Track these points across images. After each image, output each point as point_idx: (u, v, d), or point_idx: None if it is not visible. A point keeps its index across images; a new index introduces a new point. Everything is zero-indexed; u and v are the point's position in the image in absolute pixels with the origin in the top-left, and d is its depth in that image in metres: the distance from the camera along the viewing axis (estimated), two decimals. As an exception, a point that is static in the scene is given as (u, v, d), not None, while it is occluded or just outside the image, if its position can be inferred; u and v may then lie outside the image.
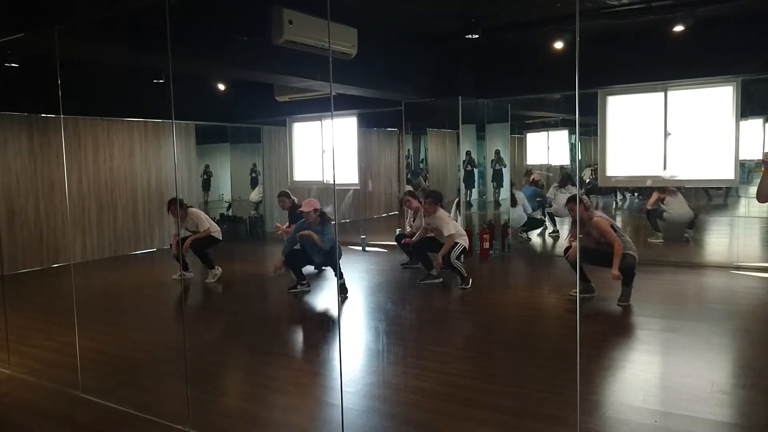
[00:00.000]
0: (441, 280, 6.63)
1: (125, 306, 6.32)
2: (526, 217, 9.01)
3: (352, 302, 6.06)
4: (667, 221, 8.28)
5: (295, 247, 6.29)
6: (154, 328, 5.39)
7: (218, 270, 7.09)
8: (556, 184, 9.55)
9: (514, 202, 8.94)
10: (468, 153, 9.36)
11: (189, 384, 3.46)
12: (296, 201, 7.73)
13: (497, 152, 9.56)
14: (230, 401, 3.80)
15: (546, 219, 9.80)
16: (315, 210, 6.16)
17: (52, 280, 7.61)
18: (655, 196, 8.23)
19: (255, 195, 11.30)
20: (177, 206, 6.78)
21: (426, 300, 6.12)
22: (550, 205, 9.54)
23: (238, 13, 5.71)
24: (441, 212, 6.55)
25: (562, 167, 10.33)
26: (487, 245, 8.11)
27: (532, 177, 10.01)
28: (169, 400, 3.68)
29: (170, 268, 7.52)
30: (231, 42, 5.81)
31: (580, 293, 5.30)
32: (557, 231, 9.55)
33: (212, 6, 5.42)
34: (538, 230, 9.54)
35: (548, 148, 11.26)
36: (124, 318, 5.77)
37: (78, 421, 3.44)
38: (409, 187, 9.33)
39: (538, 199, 9.62)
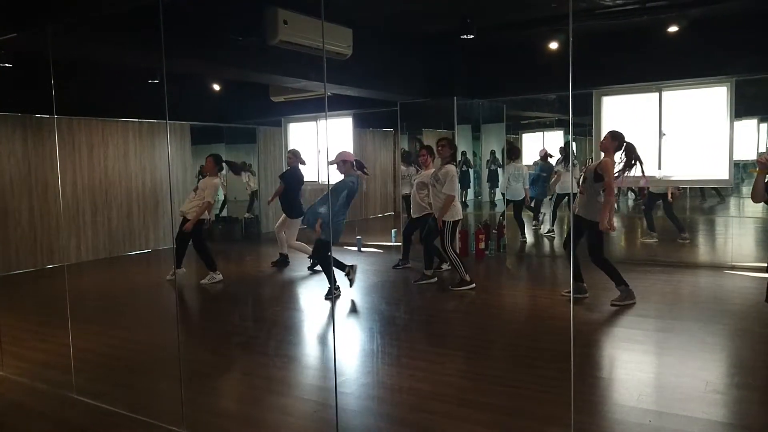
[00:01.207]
0: (435, 280, 6.63)
1: (119, 307, 6.29)
2: (523, 194, 8.90)
3: (347, 303, 6.05)
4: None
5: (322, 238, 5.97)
6: (148, 330, 5.37)
7: (218, 275, 6.93)
8: (560, 163, 9.35)
9: (516, 177, 8.84)
10: (463, 153, 9.37)
11: (183, 385, 3.45)
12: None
13: (492, 152, 9.57)
14: (225, 402, 3.79)
15: (541, 213, 9.77)
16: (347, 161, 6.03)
17: (46, 282, 7.58)
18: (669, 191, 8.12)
19: (252, 185, 11.26)
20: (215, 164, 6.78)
21: (421, 300, 6.12)
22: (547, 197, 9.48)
23: (233, 13, 5.70)
24: (451, 168, 6.17)
25: (562, 146, 10.16)
26: (482, 245, 8.12)
27: (545, 152, 9.82)
28: (163, 401, 3.67)
29: (165, 268, 7.50)
30: (226, 42, 5.80)
31: (572, 293, 5.29)
32: (552, 230, 9.56)
33: (207, 6, 5.41)
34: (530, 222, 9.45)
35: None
36: (119, 319, 5.74)
37: (72, 422, 3.42)
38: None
39: (543, 174, 9.49)
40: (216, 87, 9.61)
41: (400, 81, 8.09)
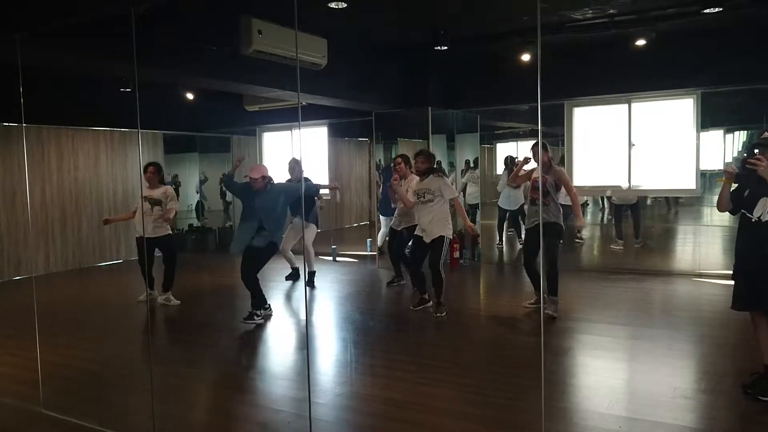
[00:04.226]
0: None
1: (89, 319, 6.16)
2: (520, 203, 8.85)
3: (321, 312, 6.02)
4: (614, 203, 8.67)
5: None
6: (118, 342, 5.27)
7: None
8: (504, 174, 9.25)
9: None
10: (438, 163, 9.43)
11: (154, 398, 3.40)
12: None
13: (467, 162, 9.65)
14: (196, 414, 3.74)
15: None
16: (263, 177, 5.40)
17: (13, 293, 7.40)
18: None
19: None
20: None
21: (395, 310, 6.13)
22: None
23: (207, 22, 5.69)
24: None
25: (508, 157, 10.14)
26: (457, 254, 8.17)
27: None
28: (134, 414, 3.61)
29: (137, 279, 7.35)
30: (200, 51, 5.77)
31: (532, 304, 5.29)
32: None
33: (181, 15, 5.39)
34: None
35: (517, 157, 11.44)
36: (88, 332, 5.63)
37: (38, 438, 3.35)
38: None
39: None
40: (190, 96, 9.54)
41: (375, 91, 8.13)
